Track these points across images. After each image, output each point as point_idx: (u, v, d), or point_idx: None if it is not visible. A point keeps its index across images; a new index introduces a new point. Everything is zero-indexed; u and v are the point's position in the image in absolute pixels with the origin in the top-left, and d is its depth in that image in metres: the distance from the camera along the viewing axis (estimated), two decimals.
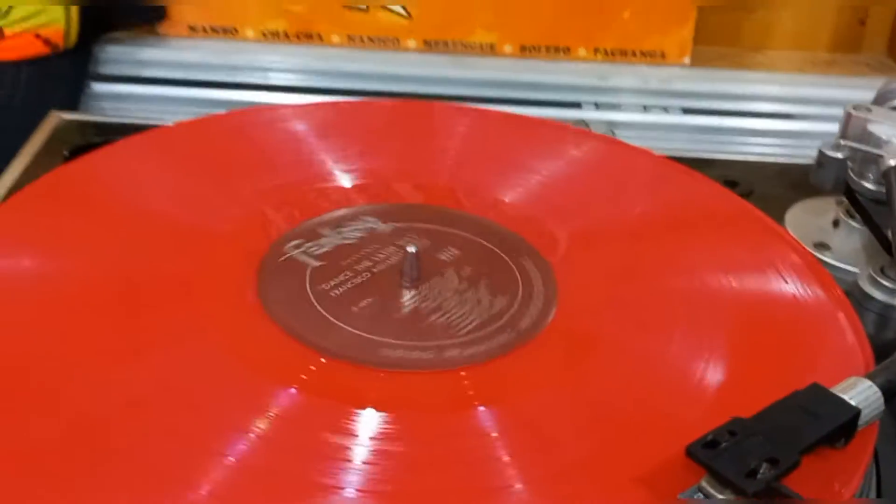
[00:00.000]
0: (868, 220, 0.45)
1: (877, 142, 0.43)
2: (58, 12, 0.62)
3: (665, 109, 0.70)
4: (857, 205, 0.46)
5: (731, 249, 0.39)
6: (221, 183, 0.38)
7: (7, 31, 0.61)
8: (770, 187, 0.46)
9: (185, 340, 0.29)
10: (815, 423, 0.26)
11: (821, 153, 0.44)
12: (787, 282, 0.37)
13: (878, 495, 0.31)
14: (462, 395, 0.28)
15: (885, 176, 0.42)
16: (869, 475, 0.31)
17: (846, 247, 0.47)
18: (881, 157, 0.42)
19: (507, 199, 0.41)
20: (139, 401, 0.26)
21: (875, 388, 0.28)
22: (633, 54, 0.72)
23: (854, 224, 0.47)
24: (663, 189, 0.44)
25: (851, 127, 0.45)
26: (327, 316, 0.31)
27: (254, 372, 0.28)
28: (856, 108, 0.45)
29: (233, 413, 0.26)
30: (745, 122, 0.72)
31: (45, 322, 0.29)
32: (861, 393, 0.28)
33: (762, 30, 0.82)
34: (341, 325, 0.30)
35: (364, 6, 0.71)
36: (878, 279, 0.42)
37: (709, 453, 0.25)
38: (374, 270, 0.34)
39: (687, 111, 0.71)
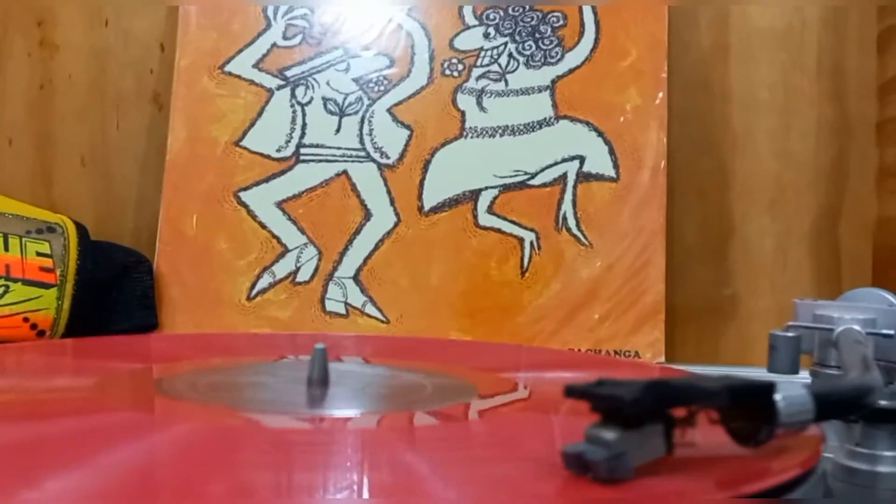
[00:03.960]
0: None
1: (829, 320, 0.43)
2: (50, 301, 0.66)
3: None
4: None
5: None
6: None
7: None
8: None
9: None
10: (717, 382, 0.24)
11: (772, 336, 0.44)
12: None
13: None
14: None
15: (836, 342, 0.41)
16: None
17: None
18: (832, 329, 0.42)
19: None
20: None
21: (804, 389, 0.25)
22: (609, 353, 0.74)
23: None
24: None
25: (800, 314, 0.45)
26: None
27: None
28: (801, 299, 0.46)
29: None
30: None
31: None
32: (785, 386, 0.26)
33: (740, 345, 0.84)
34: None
35: (344, 311, 0.75)
36: (855, 450, 0.40)
37: (592, 386, 0.22)
38: None
39: None
